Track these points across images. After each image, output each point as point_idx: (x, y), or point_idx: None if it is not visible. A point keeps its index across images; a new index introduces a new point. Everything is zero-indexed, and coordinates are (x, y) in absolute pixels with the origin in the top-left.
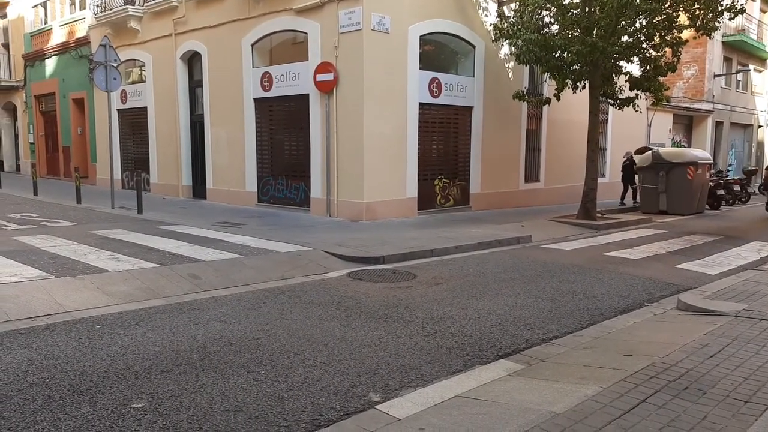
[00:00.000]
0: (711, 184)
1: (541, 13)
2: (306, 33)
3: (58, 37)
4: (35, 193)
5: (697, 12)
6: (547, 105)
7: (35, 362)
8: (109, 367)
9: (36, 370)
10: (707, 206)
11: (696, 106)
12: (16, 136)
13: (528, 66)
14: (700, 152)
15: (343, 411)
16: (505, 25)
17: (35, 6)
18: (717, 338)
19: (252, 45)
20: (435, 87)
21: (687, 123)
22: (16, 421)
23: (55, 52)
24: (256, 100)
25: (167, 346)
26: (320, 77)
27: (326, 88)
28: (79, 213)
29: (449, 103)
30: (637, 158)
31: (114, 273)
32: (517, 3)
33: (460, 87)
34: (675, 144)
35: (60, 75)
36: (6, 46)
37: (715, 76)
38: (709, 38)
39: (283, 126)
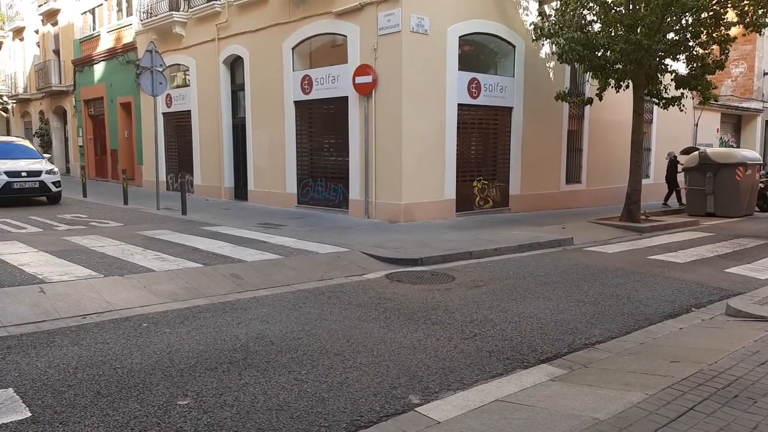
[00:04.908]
0: (761, 185)
1: (582, 11)
2: (345, 36)
3: (106, 43)
4: (84, 195)
5: (746, 8)
6: (589, 105)
7: (85, 359)
8: (155, 364)
9: (86, 366)
10: (757, 208)
11: (745, 104)
12: (66, 139)
13: (569, 65)
14: (750, 152)
15: (383, 412)
16: (547, 24)
17: (84, 13)
18: None
19: (292, 48)
20: (474, 88)
21: (735, 122)
22: (67, 416)
23: (103, 58)
24: (296, 102)
25: (211, 344)
26: (359, 80)
27: (365, 91)
28: (127, 214)
29: (488, 104)
30: (683, 158)
31: (160, 272)
32: (559, 2)
33: (500, 87)
34: (723, 144)
35: (108, 80)
36: (57, 52)
37: (765, 73)
38: (759, 35)
39: (322, 128)
